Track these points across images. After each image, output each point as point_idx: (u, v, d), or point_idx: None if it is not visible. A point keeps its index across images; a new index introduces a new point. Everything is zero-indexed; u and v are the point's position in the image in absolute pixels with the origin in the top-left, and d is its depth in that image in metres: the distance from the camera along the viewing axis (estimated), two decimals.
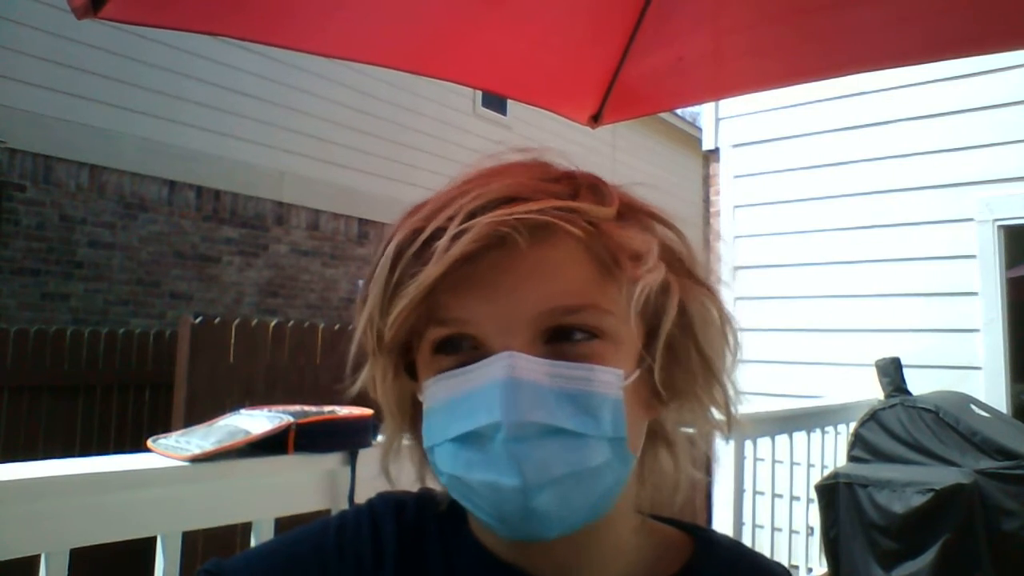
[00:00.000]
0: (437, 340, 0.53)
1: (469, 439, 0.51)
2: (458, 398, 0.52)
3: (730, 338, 0.59)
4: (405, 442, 0.63)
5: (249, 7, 1.08)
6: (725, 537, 0.68)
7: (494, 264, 0.51)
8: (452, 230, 0.50)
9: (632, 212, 0.57)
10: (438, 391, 0.53)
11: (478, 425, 0.50)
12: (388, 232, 0.56)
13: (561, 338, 0.52)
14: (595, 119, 1.59)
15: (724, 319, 0.59)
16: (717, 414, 0.61)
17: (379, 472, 0.63)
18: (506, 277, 0.52)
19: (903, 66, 1.50)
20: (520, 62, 1.46)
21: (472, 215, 0.51)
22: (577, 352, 0.52)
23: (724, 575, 0.63)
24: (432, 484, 0.63)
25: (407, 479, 0.64)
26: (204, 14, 1.06)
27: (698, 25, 1.43)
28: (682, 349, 0.57)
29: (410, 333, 0.54)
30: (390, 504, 0.63)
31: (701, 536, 0.65)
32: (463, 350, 0.53)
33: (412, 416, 0.60)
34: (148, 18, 1.01)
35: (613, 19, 1.41)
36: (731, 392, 0.60)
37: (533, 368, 0.50)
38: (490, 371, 0.50)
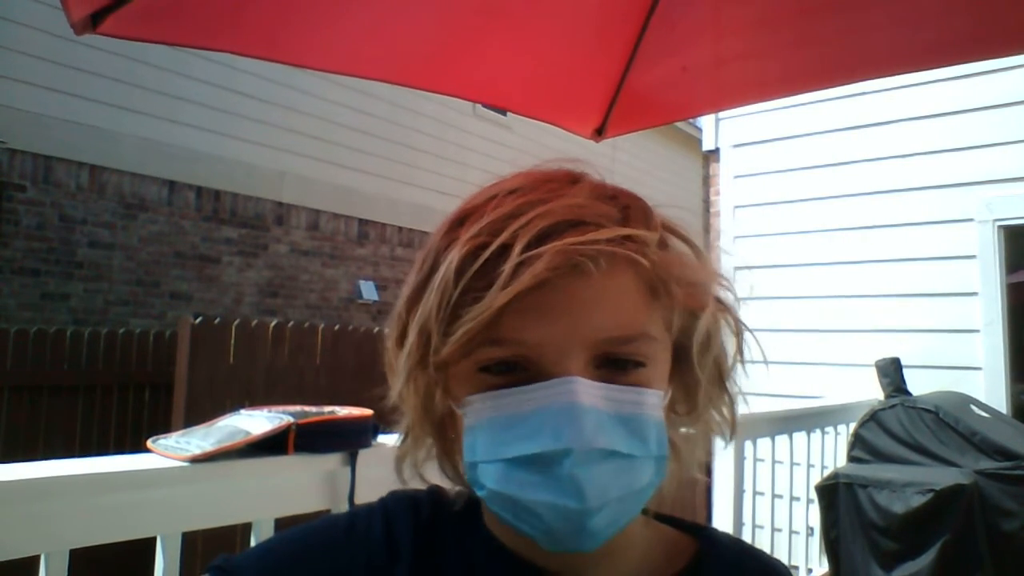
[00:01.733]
0: (488, 358, 0.53)
1: (528, 461, 0.50)
2: (513, 418, 0.51)
3: (743, 355, 0.61)
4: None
5: (247, 23, 1.08)
6: (727, 535, 0.69)
7: (558, 289, 0.51)
8: (518, 253, 0.50)
9: (667, 234, 0.58)
10: (488, 409, 0.53)
11: (543, 449, 0.50)
12: (436, 243, 0.55)
13: (612, 363, 0.53)
14: (599, 132, 1.58)
15: (741, 339, 0.61)
16: (717, 416, 0.62)
17: (385, 474, 0.62)
18: (567, 302, 0.52)
19: (907, 72, 1.50)
20: (522, 76, 1.45)
21: (540, 237, 0.51)
22: (627, 377, 0.53)
23: (729, 572, 0.64)
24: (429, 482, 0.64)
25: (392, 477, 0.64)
26: (202, 30, 1.06)
27: (701, 35, 1.42)
28: (702, 367, 0.59)
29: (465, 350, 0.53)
30: (404, 502, 0.63)
31: (703, 535, 0.65)
32: (513, 369, 0.53)
33: (437, 425, 0.60)
34: (146, 34, 1.01)
35: (616, 31, 1.40)
36: (735, 398, 0.62)
37: (594, 393, 0.51)
38: (554, 395, 0.50)
